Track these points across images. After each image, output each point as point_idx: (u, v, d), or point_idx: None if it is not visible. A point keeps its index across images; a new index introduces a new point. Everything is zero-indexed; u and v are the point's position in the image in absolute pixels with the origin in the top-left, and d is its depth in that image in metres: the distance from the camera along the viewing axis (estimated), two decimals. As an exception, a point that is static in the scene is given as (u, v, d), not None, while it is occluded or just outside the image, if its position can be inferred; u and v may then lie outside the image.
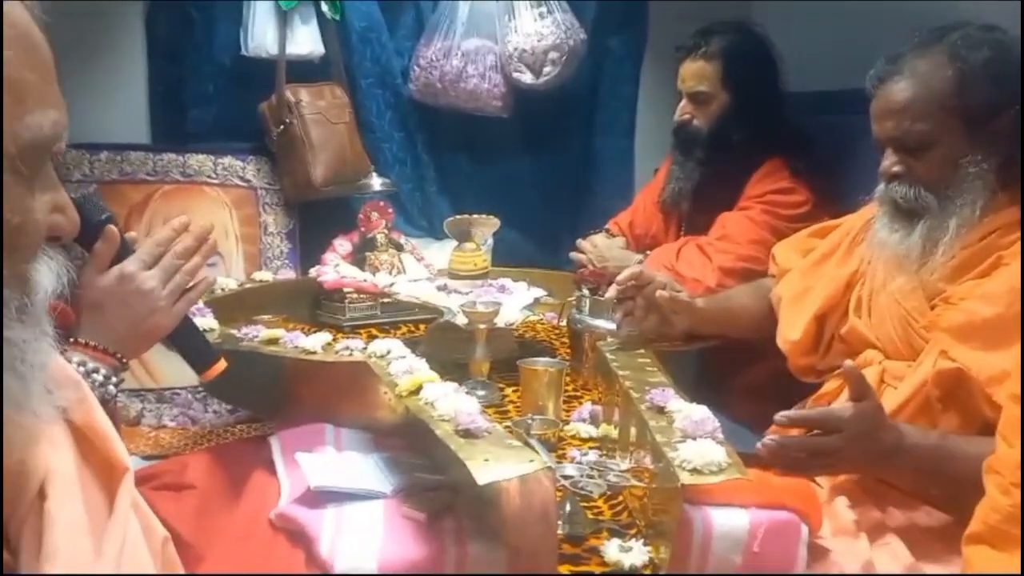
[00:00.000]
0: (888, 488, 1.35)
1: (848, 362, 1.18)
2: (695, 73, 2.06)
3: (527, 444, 1.20)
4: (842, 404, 1.18)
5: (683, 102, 2.09)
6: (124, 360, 1.10)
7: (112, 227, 1.09)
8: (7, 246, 0.56)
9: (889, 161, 1.34)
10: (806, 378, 1.53)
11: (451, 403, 1.11)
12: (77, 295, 1.09)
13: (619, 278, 1.51)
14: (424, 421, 1.12)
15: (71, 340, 1.06)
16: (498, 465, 0.96)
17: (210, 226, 1.19)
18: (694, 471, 0.99)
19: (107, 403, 1.07)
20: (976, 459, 1.01)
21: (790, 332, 1.51)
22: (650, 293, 1.49)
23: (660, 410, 1.17)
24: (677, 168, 2.15)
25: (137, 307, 1.10)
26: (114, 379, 1.07)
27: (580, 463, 1.19)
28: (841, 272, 1.50)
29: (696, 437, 1.04)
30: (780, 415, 1.16)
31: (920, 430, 1.21)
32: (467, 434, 1.04)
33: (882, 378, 1.35)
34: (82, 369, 1.04)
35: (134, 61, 2.37)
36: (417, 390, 1.21)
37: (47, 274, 0.63)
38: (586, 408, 1.52)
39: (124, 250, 1.12)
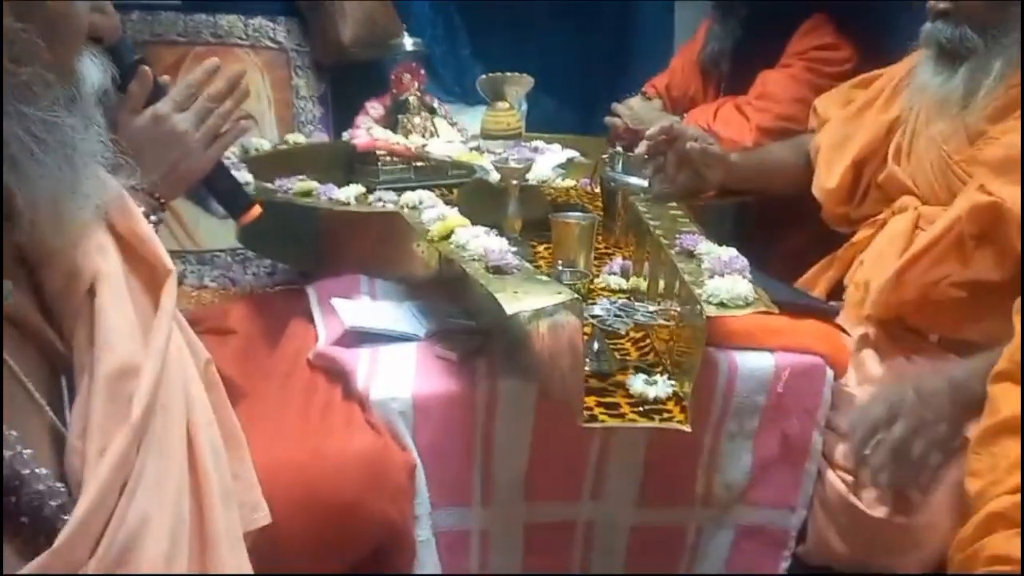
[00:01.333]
0: (918, 339, 1.36)
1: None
2: None
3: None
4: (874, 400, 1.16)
5: (724, -47, 2.00)
6: (162, 200, 1.12)
7: (145, 67, 1.10)
8: (49, 35, 0.58)
9: None
10: (839, 227, 1.52)
11: (481, 243, 1.12)
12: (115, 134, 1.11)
13: (648, 132, 1.49)
14: (456, 262, 1.14)
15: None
16: (527, 297, 0.98)
17: (242, 71, 1.19)
18: (720, 304, 1.00)
19: None
20: None
21: (827, 180, 1.49)
22: (681, 148, 1.46)
23: (690, 254, 1.18)
24: (717, 25, 2.07)
25: (172, 149, 1.11)
26: (153, 218, 1.10)
27: (608, 306, 1.21)
28: (882, 118, 1.47)
29: (724, 274, 1.05)
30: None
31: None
32: (497, 271, 1.06)
33: (916, 223, 1.34)
34: None
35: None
36: (448, 235, 1.22)
37: (93, 69, 0.66)
38: (617, 263, 1.53)
39: (157, 92, 1.12)
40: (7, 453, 0.55)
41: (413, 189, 1.96)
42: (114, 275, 0.67)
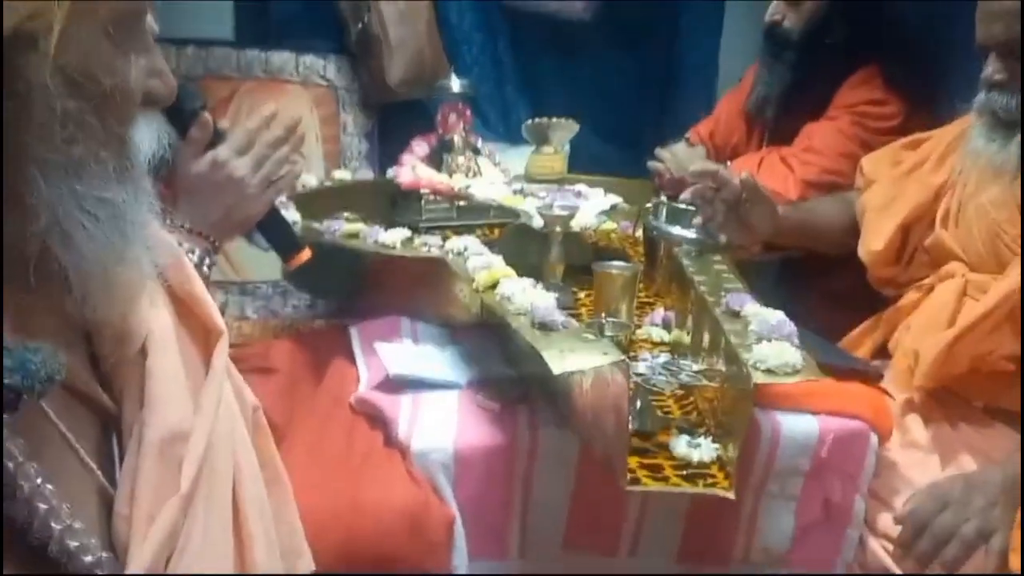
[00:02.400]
0: (964, 405, 1.33)
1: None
2: None
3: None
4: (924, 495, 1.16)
5: (775, 2, 2.00)
6: (217, 244, 1.15)
7: (206, 114, 1.13)
8: (104, 111, 0.57)
9: (992, 68, 1.28)
10: (885, 290, 1.51)
11: (527, 297, 1.13)
12: (173, 178, 1.14)
13: (692, 168, 1.49)
14: (500, 315, 1.15)
15: (166, 222, 1.11)
16: (573, 356, 0.98)
17: (299, 118, 1.22)
18: (768, 371, 0.99)
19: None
20: None
21: (873, 242, 1.48)
22: (728, 195, 1.46)
23: (735, 314, 1.17)
24: (765, 71, 2.07)
25: (229, 193, 1.14)
26: (208, 260, 1.12)
27: (651, 364, 1.20)
28: (931, 182, 1.45)
29: (772, 339, 1.04)
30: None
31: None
32: (543, 327, 1.06)
33: (964, 291, 1.32)
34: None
35: (219, -44, 2.37)
36: (494, 285, 1.23)
37: (147, 138, 0.65)
38: (658, 314, 1.53)
39: (217, 137, 1.15)
40: (56, 527, 0.55)
41: (456, 229, 2.02)
42: (166, 334, 0.67)
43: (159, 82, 0.64)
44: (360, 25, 2.36)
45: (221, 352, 0.71)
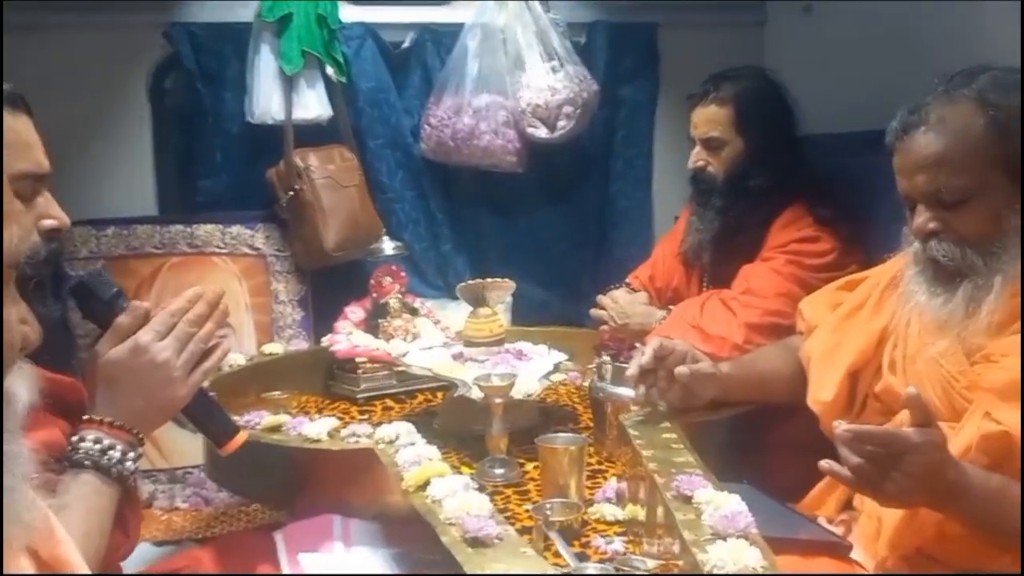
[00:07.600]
0: (940, 568, 1.24)
1: (911, 389, 1.08)
2: (707, 118, 2.00)
3: (545, 541, 1.12)
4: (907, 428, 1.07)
5: (696, 149, 2.03)
6: (140, 436, 1.05)
7: (137, 302, 1.07)
8: None
9: (924, 218, 1.25)
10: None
11: (459, 504, 1.03)
12: (89, 371, 1.05)
13: (641, 361, 1.44)
14: (431, 523, 1.04)
15: (84, 418, 1.03)
16: (509, 583, 0.88)
17: (221, 291, 1.15)
18: (726, 579, 0.90)
19: (124, 480, 1.03)
20: None
21: (822, 392, 1.42)
22: (671, 365, 1.41)
23: (687, 499, 1.08)
24: (696, 218, 2.08)
25: (152, 379, 1.05)
26: (131, 455, 1.03)
27: (603, 562, 1.10)
28: (872, 326, 1.41)
29: (727, 537, 0.95)
30: (842, 429, 1.08)
31: (982, 472, 1.10)
32: (475, 542, 0.96)
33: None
34: (97, 447, 1.00)
35: (140, 134, 2.36)
36: (425, 484, 1.13)
37: (22, 385, 0.64)
38: (611, 486, 1.43)
39: None
40: None
41: (396, 397, 1.92)
42: None
43: (29, 328, 0.65)
44: (291, 193, 2.33)
45: None
